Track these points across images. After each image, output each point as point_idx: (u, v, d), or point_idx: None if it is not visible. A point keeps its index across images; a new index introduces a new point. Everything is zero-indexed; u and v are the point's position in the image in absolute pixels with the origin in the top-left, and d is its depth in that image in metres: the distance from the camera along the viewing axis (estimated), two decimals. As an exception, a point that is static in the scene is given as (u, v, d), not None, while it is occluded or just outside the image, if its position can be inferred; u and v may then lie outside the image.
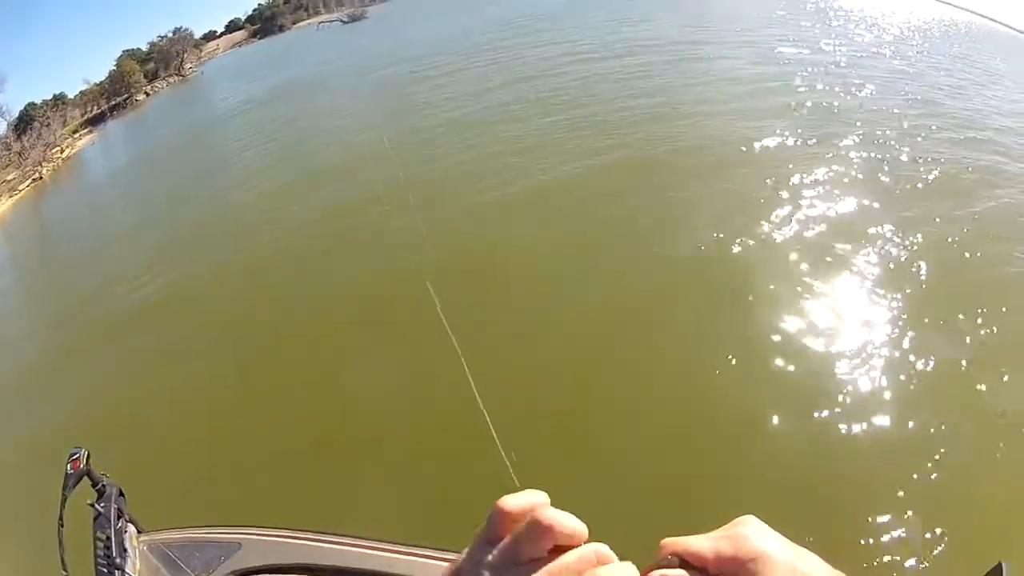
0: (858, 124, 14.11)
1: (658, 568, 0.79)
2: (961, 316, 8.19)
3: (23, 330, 18.92)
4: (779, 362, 7.70)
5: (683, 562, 0.80)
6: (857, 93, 16.45)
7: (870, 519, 5.86)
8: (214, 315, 13.58)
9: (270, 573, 3.75)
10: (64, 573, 3.50)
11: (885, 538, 5.71)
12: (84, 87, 71.22)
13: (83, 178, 46.70)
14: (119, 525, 3.70)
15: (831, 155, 12.58)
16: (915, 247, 9.52)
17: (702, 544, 0.80)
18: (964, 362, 7.53)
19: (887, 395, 7.18)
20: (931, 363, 7.57)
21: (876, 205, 10.71)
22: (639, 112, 16.96)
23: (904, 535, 5.73)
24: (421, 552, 3.54)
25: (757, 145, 13.37)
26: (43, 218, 40.49)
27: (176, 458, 9.42)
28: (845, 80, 17.56)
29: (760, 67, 20.11)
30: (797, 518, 5.71)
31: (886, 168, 11.93)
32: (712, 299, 9.12)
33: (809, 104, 15.85)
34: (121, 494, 3.88)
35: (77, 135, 62.38)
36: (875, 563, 5.57)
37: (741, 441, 6.89)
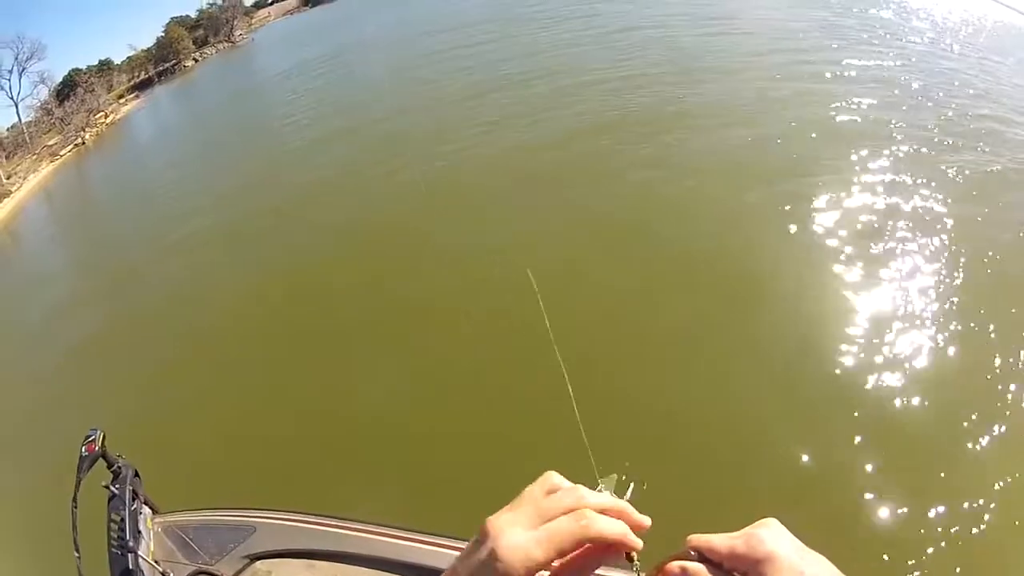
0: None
1: (678, 560, 0.90)
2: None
3: (49, 305, 19.42)
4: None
5: (702, 557, 0.90)
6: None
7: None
8: (248, 291, 13.92)
9: (285, 557, 3.84)
10: (76, 555, 3.61)
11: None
12: (131, 53, 72.44)
13: (126, 144, 47.76)
14: (134, 507, 3.81)
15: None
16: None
17: (720, 541, 0.89)
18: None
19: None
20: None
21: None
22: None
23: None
24: (440, 541, 3.60)
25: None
26: (82, 182, 41.55)
27: (196, 438, 9.73)
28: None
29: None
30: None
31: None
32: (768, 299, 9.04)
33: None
34: (136, 475, 3.99)
35: (123, 100, 63.55)
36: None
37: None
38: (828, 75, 16.67)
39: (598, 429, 1.12)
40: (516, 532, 0.85)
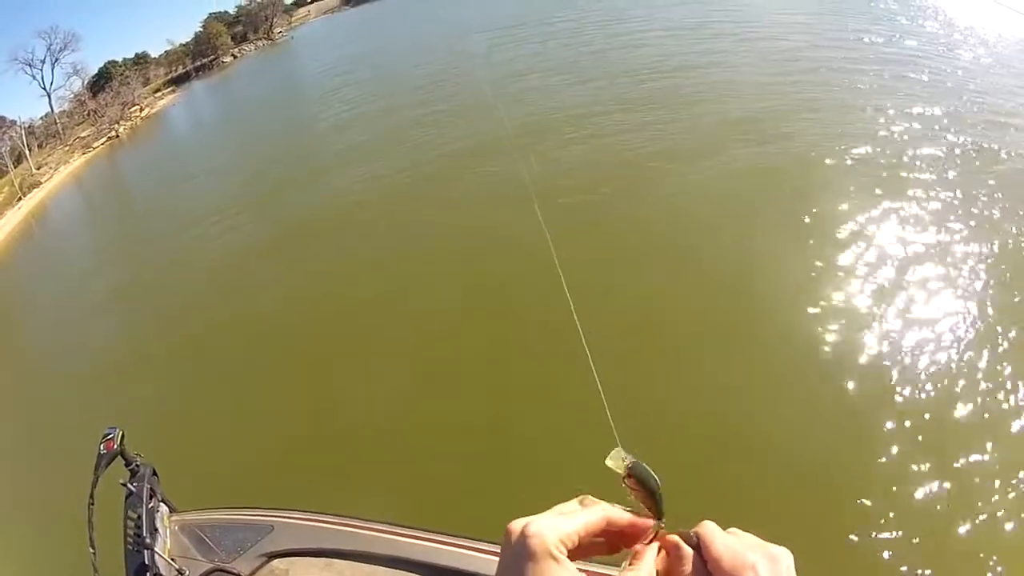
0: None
1: (679, 536, 0.98)
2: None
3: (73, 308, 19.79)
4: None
5: (699, 545, 0.95)
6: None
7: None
8: (271, 293, 14.16)
9: (302, 556, 3.92)
10: (91, 551, 3.71)
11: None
12: (168, 47, 73.62)
13: (161, 138, 48.52)
14: (151, 505, 3.92)
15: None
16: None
17: (717, 545, 0.93)
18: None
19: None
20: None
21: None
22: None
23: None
24: (459, 542, 3.68)
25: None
26: (114, 175, 42.27)
27: (215, 439, 9.90)
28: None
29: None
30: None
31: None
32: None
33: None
34: (155, 474, 4.09)
35: (159, 94, 64.48)
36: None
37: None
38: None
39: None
40: (543, 515, 0.95)
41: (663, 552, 0.98)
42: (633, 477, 0.99)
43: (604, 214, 12.38)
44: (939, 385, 7.39)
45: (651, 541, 0.99)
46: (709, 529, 0.96)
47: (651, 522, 0.99)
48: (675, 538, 0.97)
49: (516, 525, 0.94)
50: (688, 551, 0.95)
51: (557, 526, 0.92)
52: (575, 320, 1.61)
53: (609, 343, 8.32)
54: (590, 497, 1.02)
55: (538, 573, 0.87)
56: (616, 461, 1.00)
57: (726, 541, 0.93)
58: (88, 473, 3.84)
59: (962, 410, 7.06)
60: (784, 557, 0.93)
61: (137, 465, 4.03)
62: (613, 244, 11.42)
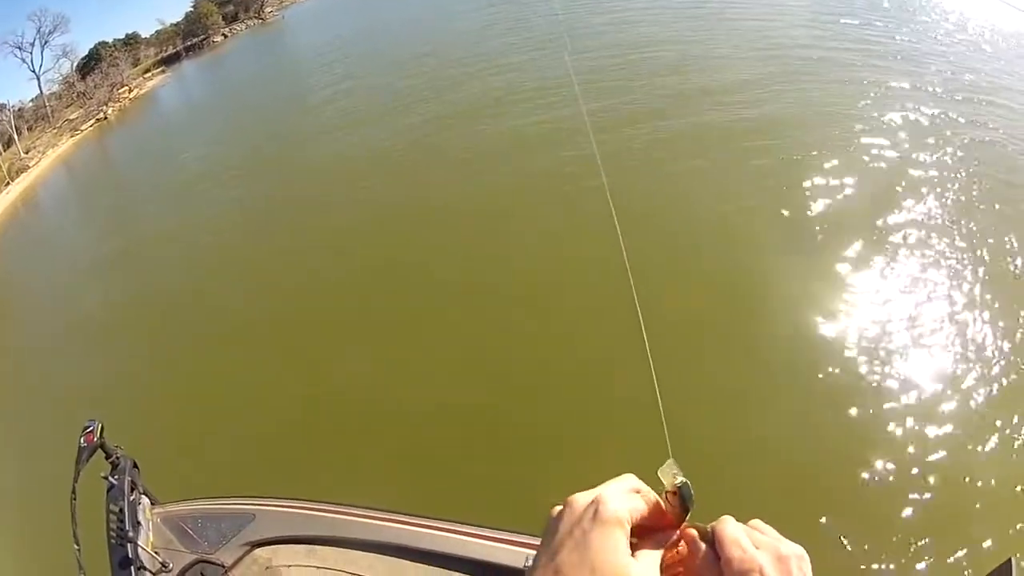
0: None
1: (696, 531, 1.01)
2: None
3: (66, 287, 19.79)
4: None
5: (713, 541, 0.98)
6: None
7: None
8: (254, 281, 14.26)
9: (284, 543, 3.96)
10: (76, 546, 3.73)
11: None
12: (159, 27, 73.21)
13: (149, 120, 48.16)
14: (132, 497, 3.94)
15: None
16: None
17: (729, 543, 0.95)
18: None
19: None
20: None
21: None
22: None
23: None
24: (437, 524, 3.74)
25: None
26: (102, 158, 42.25)
27: (195, 429, 9.98)
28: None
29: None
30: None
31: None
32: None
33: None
34: (135, 466, 4.11)
35: (149, 75, 64.13)
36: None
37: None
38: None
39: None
40: (613, 489, 1.00)
41: (681, 544, 1.01)
42: (678, 496, 1.01)
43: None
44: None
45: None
46: (725, 527, 0.98)
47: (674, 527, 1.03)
48: (693, 532, 1.00)
49: (583, 495, 0.99)
50: (698, 548, 0.98)
51: (629, 502, 0.98)
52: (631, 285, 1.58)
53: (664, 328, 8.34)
54: (635, 477, 1.06)
55: (607, 537, 0.92)
56: (668, 476, 1.02)
57: (739, 541, 0.95)
58: (70, 466, 3.85)
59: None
60: (794, 556, 0.94)
61: (118, 458, 4.04)
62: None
